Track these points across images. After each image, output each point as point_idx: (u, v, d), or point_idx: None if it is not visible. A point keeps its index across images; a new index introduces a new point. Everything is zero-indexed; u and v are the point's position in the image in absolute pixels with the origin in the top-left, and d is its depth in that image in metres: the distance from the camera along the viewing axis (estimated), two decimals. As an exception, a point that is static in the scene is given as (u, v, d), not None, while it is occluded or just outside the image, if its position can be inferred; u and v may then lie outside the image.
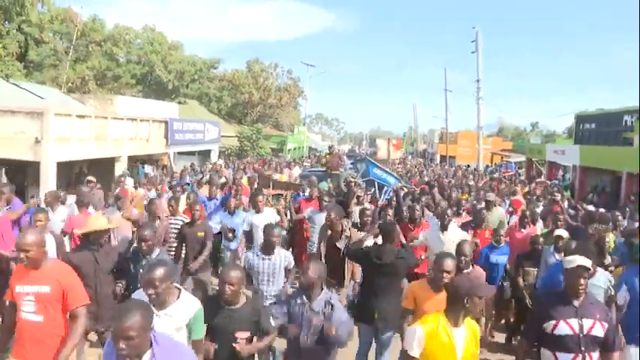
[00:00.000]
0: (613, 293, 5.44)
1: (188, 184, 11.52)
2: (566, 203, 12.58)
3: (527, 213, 8.42)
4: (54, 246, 5.79)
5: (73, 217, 7.69)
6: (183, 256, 7.13)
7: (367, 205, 10.01)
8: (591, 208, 11.88)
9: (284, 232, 8.70)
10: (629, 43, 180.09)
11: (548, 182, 21.10)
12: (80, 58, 38.96)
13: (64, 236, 7.16)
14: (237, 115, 54.52)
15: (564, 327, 3.83)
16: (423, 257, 7.17)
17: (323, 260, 6.35)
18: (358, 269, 6.53)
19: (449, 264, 4.44)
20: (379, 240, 7.35)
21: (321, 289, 4.25)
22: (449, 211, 7.32)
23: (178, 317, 3.62)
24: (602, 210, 10.90)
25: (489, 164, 41.78)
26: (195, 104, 45.92)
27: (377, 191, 13.32)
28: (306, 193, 10.84)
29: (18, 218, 7.15)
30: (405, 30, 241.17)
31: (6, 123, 13.65)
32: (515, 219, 9.87)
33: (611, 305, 5.36)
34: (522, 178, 24.76)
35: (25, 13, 33.00)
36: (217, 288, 4.09)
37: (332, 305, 4.16)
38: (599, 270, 5.55)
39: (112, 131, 16.93)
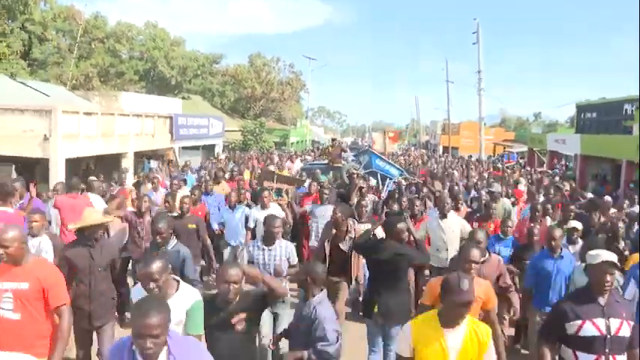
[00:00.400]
0: (617, 286, 5.04)
1: (185, 180, 11.25)
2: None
3: (539, 207, 8.00)
4: (50, 247, 5.61)
5: (59, 196, 7.75)
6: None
7: (370, 196, 10.07)
8: (590, 195, 12.06)
9: (287, 226, 8.62)
10: (630, 32, 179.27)
11: (549, 171, 21.27)
12: (83, 56, 39.26)
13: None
14: (240, 110, 54.83)
15: (590, 328, 3.54)
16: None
17: (327, 260, 6.19)
18: (362, 270, 6.61)
19: (475, 254, 4.22)
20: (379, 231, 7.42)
21: (321, 290, 4.05)
22: (448, 200, 7.31)
23: (178, 310, 3.51)
24: (607, 198, 10.93)
25: (492, 155, 41.92)
26: (198, 99, 46.24)
27: (380, 183, 13.35)
28: (306, 186, 10.91)
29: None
30: (405, 21, 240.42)
31: (15, 121, 13.95)
32: (516, 209, 9.93)
33: None
34: (528, 168, 24.87)
35: (29, 11, 33.37)
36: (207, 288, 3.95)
37: (316, 310, 3.90)
38: None
39: (118, 127, 17.24)
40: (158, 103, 26.79)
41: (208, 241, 7.35)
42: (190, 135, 24.45)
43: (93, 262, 4.75)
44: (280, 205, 7.92)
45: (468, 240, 5.16)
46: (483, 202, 9.50)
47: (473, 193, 12.20)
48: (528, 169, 24.60)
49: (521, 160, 34.79)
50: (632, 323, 3.61)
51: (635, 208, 10.18)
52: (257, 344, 4.39)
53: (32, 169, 15.32)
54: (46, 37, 36.75)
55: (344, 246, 6.33)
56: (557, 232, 5.71)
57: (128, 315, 5.90)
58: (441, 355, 3.12)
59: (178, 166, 18.65)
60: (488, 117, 63.84)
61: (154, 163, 20.05)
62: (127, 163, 17.64)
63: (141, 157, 19.93)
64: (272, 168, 14.01)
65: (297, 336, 4.06)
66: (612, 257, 3.60)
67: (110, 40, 42.75)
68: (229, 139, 35.58)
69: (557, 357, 3.82)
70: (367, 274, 6.28)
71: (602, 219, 8.14)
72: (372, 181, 13.19)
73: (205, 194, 9.54)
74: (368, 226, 6.49)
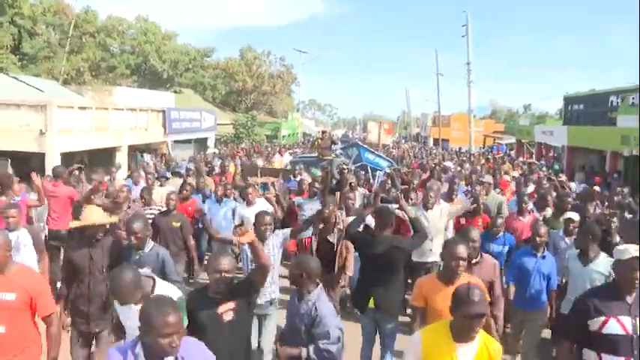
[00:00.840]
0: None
1: (165, 176, 10.93)
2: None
3: (525, 199, 7.71)
4: (29, 240, 5.45)
5: (44, 181, 7.88)
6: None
7: (361, 189, 10.09)
8: (573, 185, 12.38)
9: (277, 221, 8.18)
10: (621, 24, 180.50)
11: (537, 162, 21.65)
12: (74, 50, 39.16)
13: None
14: (232, 103, 54.94)
15: (615, 325, 3.32)
16: None
17: (314, 254, 5.88)
18: (351, 263, 6.40)
19: (461, 250, 3.92)
20: (370, 219, 7.37)
21: (316, 286, 3.89)
22: (432, 193, 7.02)
23: None
24: (596, 188, 11.10)
25: (482, 146, 42.39)
26: (190, 93, 46.37)
27: (370, 176, 13.36)
28: (296, 179, 10.83)
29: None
30: (395, 13, 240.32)
31: (11, 116, 14.16)
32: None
33: None
34: (522, 159, 25.17)
35: (18, 5, 33.28)
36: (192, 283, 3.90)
37: (316, 307, 3.75)
38: (602, 255, 5.15)
39: (112, 122, 17.43)
40: (151, 97, 27.00)
41: (192, 242, 7.09)
42: (183, 128, 24.65)
43: (92, 262, 4.57)
44: (268, 199, 7.62)
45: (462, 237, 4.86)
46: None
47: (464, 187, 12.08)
48: (522, 160, 24.97)
49: (510, 152, 35.29)
50: None
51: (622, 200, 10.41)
52: (251, 337, 4.27)
53: (28, 163, 15.52)
54: (36, 32, 36.60)
55: (332, 238, 6.20)
56: (543, 229, 5.57)
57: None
58: None
59: (172, 159, 18.85)
60: (478, 109, 64.37)
61: (147, 157, 20.27)
62: (122, 156, 17.88)
63: (134, 151, 20.13)
64: (260, 162, 13.80)
65: (295, 335, 3.84)
66: None
67: (101, 35, 42.60)
68: (221, 132, 35.75)
69: None
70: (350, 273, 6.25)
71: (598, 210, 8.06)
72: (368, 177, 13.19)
73: (197, 192, 9.23)
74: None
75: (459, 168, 16.27)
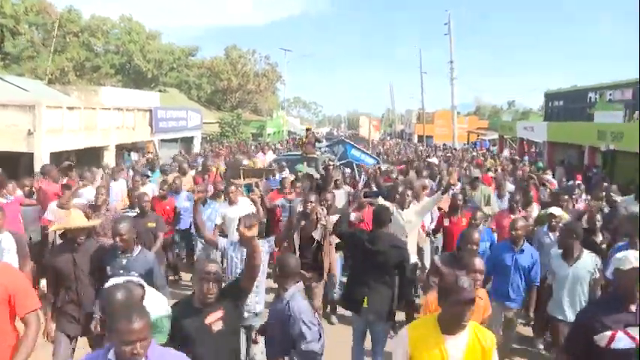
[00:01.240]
0: (598, 276, 5.05)
1: (148, 175, 10.76)
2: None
3: (517, 197, 7.73)
4: (13, 245, 5.24)
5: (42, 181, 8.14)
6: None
7: (346, 187, 9.98)
8: (549, 177, 12.69)
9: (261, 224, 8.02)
10: (607, 19, 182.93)
11: (518, 158, 22.11)
12: (58, 49, 39.03)
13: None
14: (217, 102, 54.99)
15: (624, 339, 3.14)
16: None
17: (297, 253, 5.83)
18: (335, 262, 6.30)
19: (478, 263, 3.84)
20: (361, 210, 7.26)
21: (295, 284, 3.83)
22: (408, 192, 6.96)
23: None
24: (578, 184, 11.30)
25: (466, 142, 42.94)
26: (175, 92, 46.39)
27: (356, 173, 13.31)
28: (278, 177, 10.66)
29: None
30: (378, 10, 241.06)
31: (-1, 116, 14.24)
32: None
33: (596, 289, 5.10)
34: (507, 155, 25.56)
35: (-1, 4, 33.14)
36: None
37: (289, 305, 3.70)
38: (585, 252, 5.09)
39: (100, 121, 17.59)
40: (136, 96, 27.16)
41: (161, 238, 7.00)
42: (169, 127, 24.81)
43: (77, 267, 4.46)
44: (253, 200, 7.39)
45: (462, 242, 4.74)
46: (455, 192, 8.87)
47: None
48: (506, 155, 25.38)
49: (492, 148, 35.87)
50: None
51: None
52: (240, 346, 4.17)
53: (16, 163, 15.61)
54: (18, 31, 36.46)
55: (316, 234, 6.06)
56: (520, 223, 5.50)
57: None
58: None
59: (158, 157, 18.96)
60: (462, 105, 65.13)
61: (134, 156, 20.42)
62: (109, 156, 18.02)
63: (121, 150, 20.26)
64: (245, 161, 13.45)
65: (276, 336, 3.82)
66: None
67: (85, 34, 42.49)
68: (207, 131, 35.88)
69: None
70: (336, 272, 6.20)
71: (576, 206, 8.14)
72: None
73: (173, 192, 8.90)
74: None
75: (443, 164, 16.54)
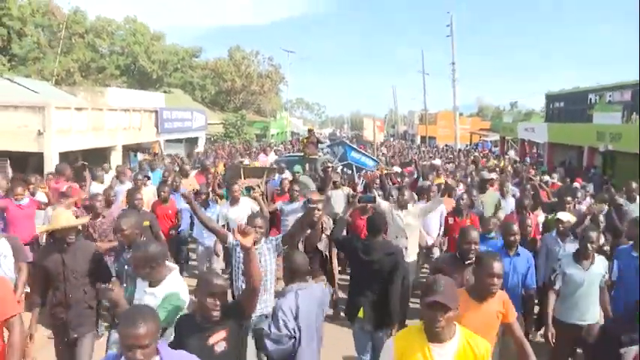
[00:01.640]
0: (607, 277, 5.02)
1: (148, 177, 10.57)
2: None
3: (526, 201, 7.44)
4: (9, 250, 5.21)
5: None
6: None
7: (345, 188, 9.60)
8: (547, 178, 12.85)
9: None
10: (610, 21, 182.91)
11: (517, 159, 22.36)
12: (63, 51, 39.45)
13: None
14: (221, 103, 55.35)
15: None
16: None
17: None
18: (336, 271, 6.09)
19: (497, 266, 3.62)
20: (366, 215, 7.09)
21: (299, 282, 3.82)
22: (406, 192, 6.93)
23: (160, 296, 3.57)
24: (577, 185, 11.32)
25: (468, 143, 43.15)
26: (179, 93, 46.75)
27: (355, 175, 13.15)
28: (278, 178, 10.44)
29: None
30: (381, 11, 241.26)
31: (9, 117, 14.67)
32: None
33: (605, 291, 5.06)
34: (513, 156, 25.66)
35: (6, 6, 33.52)
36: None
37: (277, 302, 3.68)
38: (597, 256, 5.04)
39: (107, 122, 18.00)
40: (142, 97, 27.59)
41: (162, 238, 6.77)
42: (174, 128, 25.18)
43: (66, 267, 4.35)
44: (255, 198, 7.22)
45: (459, 240, 4.62)
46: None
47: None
48: (513, 155, 25.48)
49: (494, 149, 36.09)
50: None
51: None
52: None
53: (25, 163, 15.98)
54: (25, 33, 36.84)
55: (322, 246, 5.88)
56: (515, 227, 5.29)
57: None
58: None
59: (163, 158, 19.25)
60: (465, 106, 65.38)
61: (140, 156, 20.75)
62: (117, 156, 18.36)
63: (127, 151, 20.60)
64: (246, 161, 13.33)
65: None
66: None
67: (90, 35, 42.90)
68: (211, 131, 36.22)
69: None
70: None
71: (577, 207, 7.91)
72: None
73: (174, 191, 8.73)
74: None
75: (447, 165, 16.59)
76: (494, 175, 12.78)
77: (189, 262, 9.28)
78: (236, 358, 3.34)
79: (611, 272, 5.00)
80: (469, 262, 4.44)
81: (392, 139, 53.09)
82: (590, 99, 23.56)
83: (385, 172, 10.27)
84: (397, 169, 12.96)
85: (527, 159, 25.69)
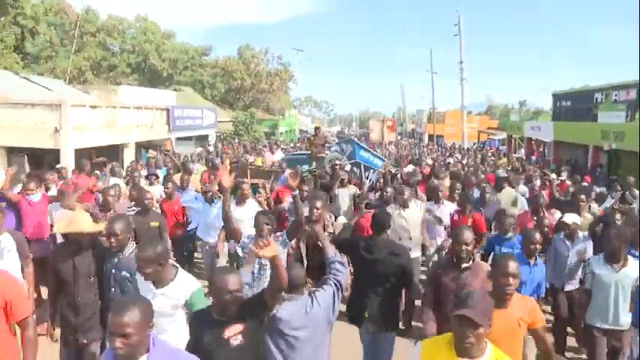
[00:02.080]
0: (638, 283, 4.85)
1: (156, 175, 10.34)
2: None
3: (541, 200, 7.33)
4: (13, 245, 5.16)
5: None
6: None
7: (352, 187, 9.56)
8: (554, 176, 13.08)
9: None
10: (615, 22, 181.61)
11: (524, 158, 22.55)
12: (75, 49, 40.03)
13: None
14: (230, 101, 55.81)
15: None
16: None
17: (305, 262, 5.56)
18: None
19: (513, 265, 3.53)
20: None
21: (296, 293, 3.69)
22: (407, 191, 6.89)
23: (175, 296, 3.61)
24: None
25: (475, 142, 43.27)
26: (190, 91, 47.22)
27: (362, 174, 13.14)
28: (283, 177, 10.27)
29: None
30: (390, 10, 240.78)
31: (27, 115, 15.15)
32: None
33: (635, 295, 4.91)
34: (522, 155, 25.76)
35: (20, 5, 34.10)
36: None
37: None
38: (630, 258, 4.91)
39: (120, 119, 18.42)
40: (154, 95, 28.04)
41: (166, 239, 6.69)
42: (185, 126, 25.61)
43: (77, 271, 4.31)
44: (259, 202, 7.19)
45: (453, 241, 4.47)
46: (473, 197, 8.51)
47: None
48: (522, 156, 25.61)
49: (502, 147, 36.25)
50: None
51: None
52: None
53: (42, 159, 16.44)
54: (38, 31, 37.44)
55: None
56: (537, 235, 5.11)
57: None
58: None
59: (175, 154, 19.60)
60: (474, 105, 65.46)
61: (152, 153, 21.15)
62: (129, 153, 18.82)
63: (140, 148, 21.04)
64: (251, 159, 13.24)
65: None
66: None
67: (101, 34, 43.49)
68: (221, 129, 36.65)
69: None
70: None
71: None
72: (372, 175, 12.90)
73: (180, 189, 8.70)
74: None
75: (459, 164, 16.66)
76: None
77: (193, 261, 9.24)
78: (253, 354, 3.26)
79: None
80: (466, 265, 4.24)
81: (399, 137, 53.27)
82: (596, 98, 23.75)
83: (389, 170, 10.21)
84: (410, 168, 12.72)
85: (533, 158, 25.86)
